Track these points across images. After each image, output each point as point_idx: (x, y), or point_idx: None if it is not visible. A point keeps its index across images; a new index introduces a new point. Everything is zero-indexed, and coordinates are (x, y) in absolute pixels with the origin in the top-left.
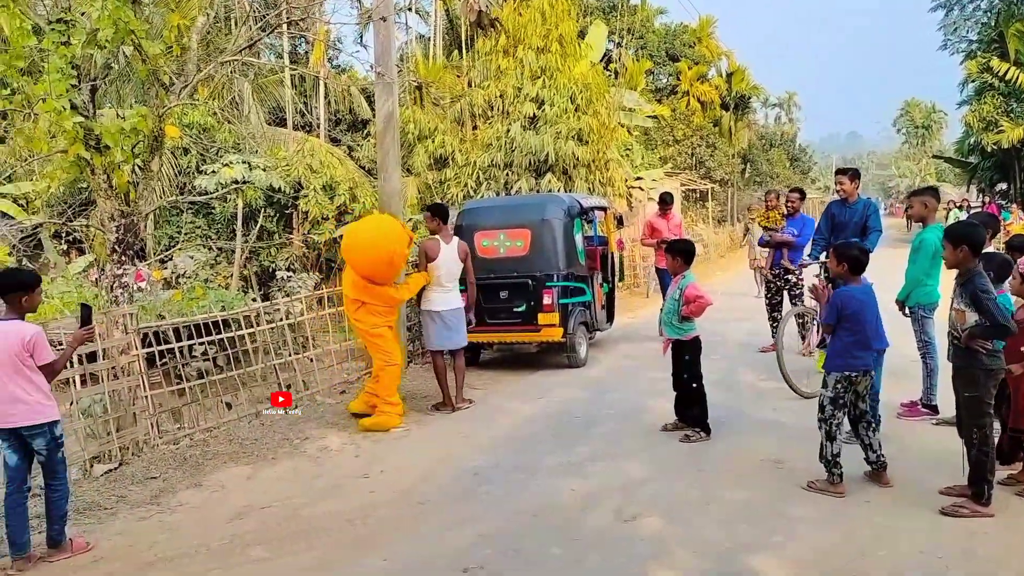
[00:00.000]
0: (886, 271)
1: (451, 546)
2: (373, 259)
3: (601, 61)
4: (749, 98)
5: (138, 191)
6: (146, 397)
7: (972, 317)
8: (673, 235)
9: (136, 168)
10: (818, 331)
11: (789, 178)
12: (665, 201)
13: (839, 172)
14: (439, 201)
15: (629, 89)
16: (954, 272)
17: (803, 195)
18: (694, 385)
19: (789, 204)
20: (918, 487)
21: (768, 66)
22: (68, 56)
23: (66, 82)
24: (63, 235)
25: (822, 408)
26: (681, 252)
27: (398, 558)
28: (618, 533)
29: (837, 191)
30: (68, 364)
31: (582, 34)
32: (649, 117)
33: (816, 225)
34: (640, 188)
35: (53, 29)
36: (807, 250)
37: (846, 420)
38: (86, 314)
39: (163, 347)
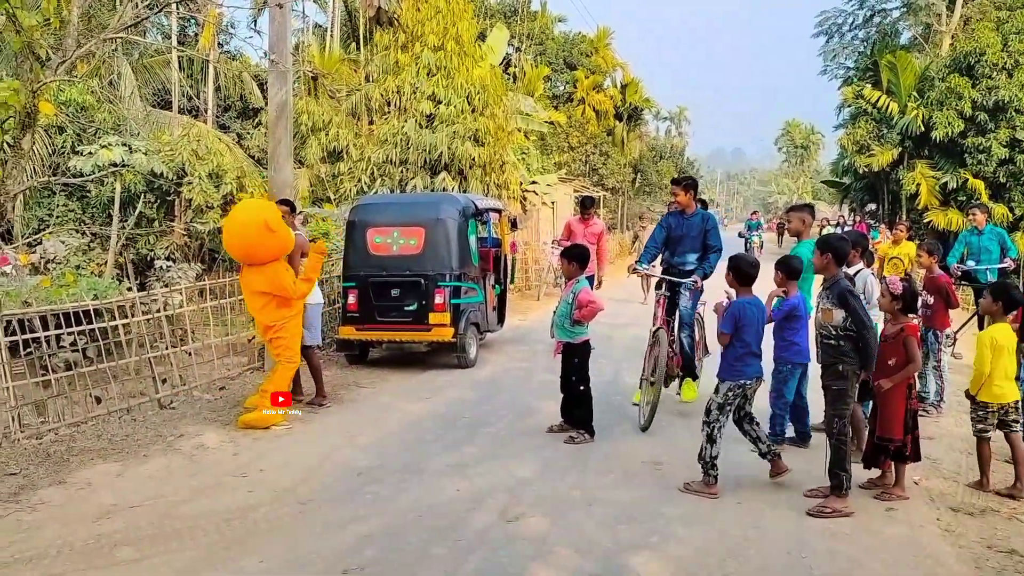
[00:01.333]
0: (762, 283)
1: (332, 547)
2: (249, 229)
3: (501, 65)
4: (642, 110)
5: (6, 170)
6: (7, 388)
7: (839, 315)
8: (587, 242)
9: (5, 145)
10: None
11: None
12: (585, 205)
13: (674, 182)
14: (289, 198)
15: (527, 94)
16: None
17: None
18: (581, 388)
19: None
20: (787, 489)
21: (661, 80)
22: None
23: None
24: None
25: (708, 412)
26: (575, 257)
27: (276, 559)
28: (502, 533)
29: (674, 202)
30: None
31: (483, 36)
32: (546, 123)
33: (652, 232)
34: (535, 192)
35: None
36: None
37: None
38: None
39: (28, 336)
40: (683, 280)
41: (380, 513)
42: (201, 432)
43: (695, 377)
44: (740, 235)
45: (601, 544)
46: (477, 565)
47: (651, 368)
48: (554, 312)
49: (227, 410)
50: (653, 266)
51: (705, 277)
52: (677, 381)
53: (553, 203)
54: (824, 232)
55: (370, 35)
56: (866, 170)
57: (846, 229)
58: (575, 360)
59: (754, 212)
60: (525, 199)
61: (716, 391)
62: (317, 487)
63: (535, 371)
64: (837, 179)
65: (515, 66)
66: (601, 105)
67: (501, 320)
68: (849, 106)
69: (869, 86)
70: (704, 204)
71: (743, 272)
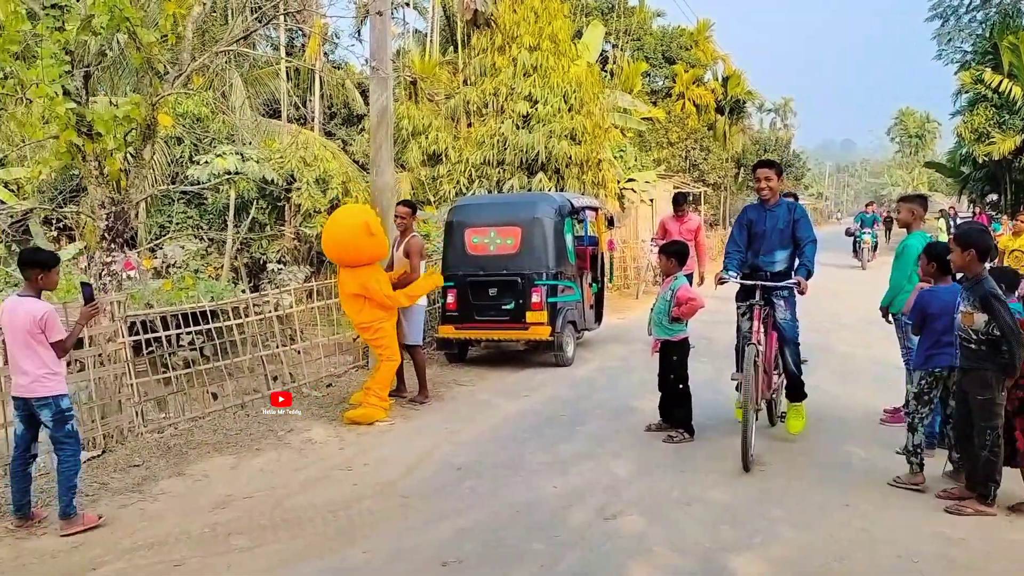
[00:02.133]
0: (881, 278)
1: (432, 540)
2: (348, 232)
3: (598, 61)
4: (744, 103)
5: (129, 179)
6: (131, 385)
7: (981, 319)
8: (684, 240)
9: (128, 156)
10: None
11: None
12: (677, 202)
13: (764, 165)
14: (410, 199)
15: (625, 90)
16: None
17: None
18: (680, 386)
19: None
20: (899, 492)
21: (764, 71)
22: (62, 42)
23: (59, 68)
24: (53, 221)
25: (907, 403)
26: (674, 254)
27: (379, 551)
28: (599, 531)
29: (759, 189)
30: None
31: (579, 34)
32: (644, 119)
33: (730, 234)
34: (633, 190)
35: (47, 14)
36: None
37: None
38: (88, 292)
39: (150, 335)
40: (783, 284)
41: (478, 508)
42: (309, 427)
43: (803, 397)
44: (848, 232)
45: (701, 544)
46: (574, 562)
47: (754, 394)
48: (651, 309)
49: (334, 406)
50: (742, 272)
51: (808, 276)
52: (766, 406)
53: (652, 200)
54: (938, 225)
55: (467, 38)
56: (986, 159)
57: (958, 221)
58: (674, 358)
59: (869, 203)
60: (623, 196)
61: (911, 381)
62: (418, 481)
63: (633, 369)
64: (944, 164)
65: (613, 62)
66: (701, 99)
67: (599, 318)
68: (967, 92)
69: (989, 70)
70: (795, 196)
71: (940, 257)
